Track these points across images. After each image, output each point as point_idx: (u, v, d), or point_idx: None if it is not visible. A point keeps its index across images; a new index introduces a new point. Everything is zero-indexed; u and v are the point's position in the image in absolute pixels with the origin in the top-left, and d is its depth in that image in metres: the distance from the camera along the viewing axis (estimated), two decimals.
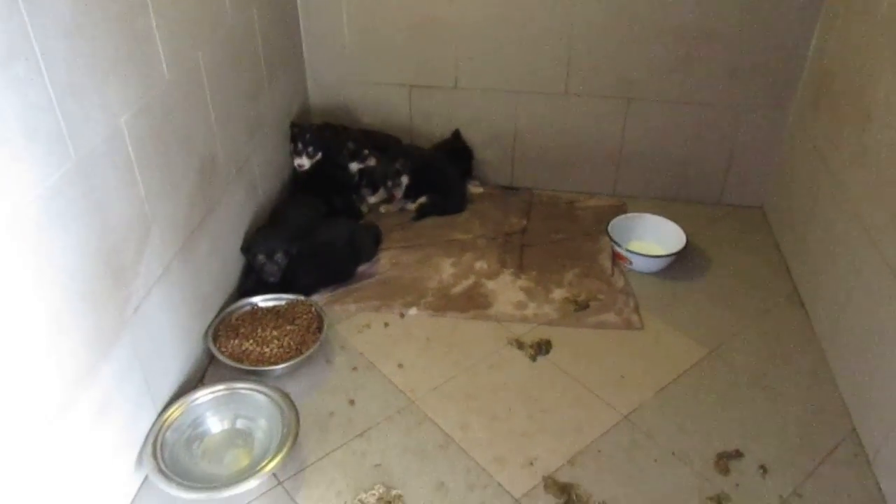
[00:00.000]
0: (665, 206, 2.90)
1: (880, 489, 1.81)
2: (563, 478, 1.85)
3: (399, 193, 2.85)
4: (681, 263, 2.61)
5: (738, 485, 1.84)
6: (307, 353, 2.11)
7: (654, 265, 2.58)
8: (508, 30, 2.74)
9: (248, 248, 2.35)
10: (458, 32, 2.78)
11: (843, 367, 2.11)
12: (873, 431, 1.89)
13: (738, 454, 1.91)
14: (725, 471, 1.87)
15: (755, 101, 2.74)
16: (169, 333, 1.91)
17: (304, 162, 2.75)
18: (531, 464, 1.89)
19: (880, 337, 1.90)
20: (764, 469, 1.87)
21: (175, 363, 1.96)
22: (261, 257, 2.31)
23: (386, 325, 2.35)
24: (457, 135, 3.00)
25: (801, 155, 2.60)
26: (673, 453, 1.92)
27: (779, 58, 2.64)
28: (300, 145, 2.74)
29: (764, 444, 1.94)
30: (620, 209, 2.93)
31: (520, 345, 2.27)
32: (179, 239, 1.93)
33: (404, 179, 2.84)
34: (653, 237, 2.72)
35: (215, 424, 1.94)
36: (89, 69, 1.46)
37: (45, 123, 1.33)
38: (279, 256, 2.31)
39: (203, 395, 1.95)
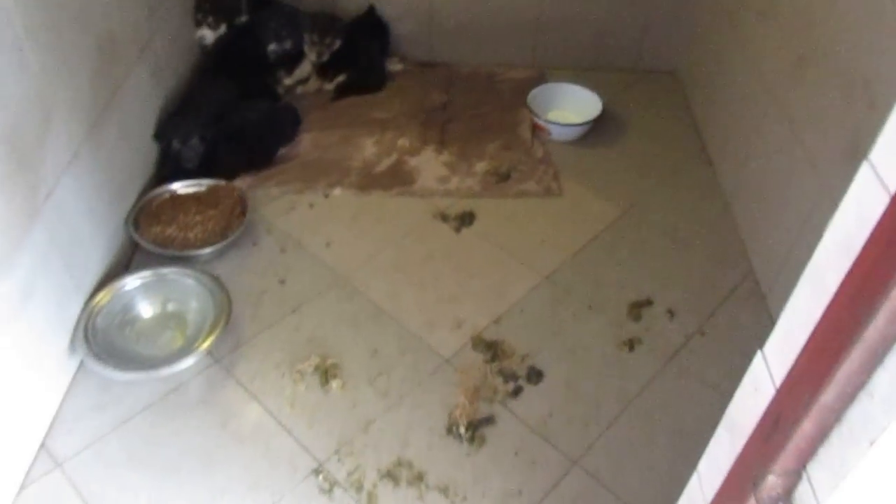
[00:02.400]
0: (583, 74, 2.92)
1: (773, 321, 2.00)
2: (490, 336, 1.97)
3: (326, 56, 2.74)
4: (598, 130, 2.67)
5: (647, 329, 2.00)
6: (233, 237, 2.11)
7: (572, 133, 2.64)
8: None
9: (161, 135, 2.27)
10: None
11: (744, 214, 2.27)
12: (768, 270, 2.07)
13: (648, 302, 2.07)
14: (637, 318, 2.02)
15: None
16: (86, 221, 1.87)
17: (206, 34, 2.61)
18: (459, 326, 2.00)
19: (775, 182, 2.04)
20: (671, 313, 2.04)
21: (97, 251, 1.94)
22: (175, 143, 2.24)
23: (311, 206, 2.36)
24: (371, 10, 2.90)
25: (711, 15, 2.65)
26: (590, 307, 2.06)
27: None
28: (200, 14, 2.60)
29: (672, 290, 2.10)
30: (540, 80, 2.94)
31: (444, 217, 2.33)
32: (85, 124, 1.85)
33: (337, 43, 2.74)
34: (571, 106, 2.76)
35: (146, 309, 1.95)
36: None
37: None
38: (195, 142, 2.25)
39: (131, 282, 1.94)
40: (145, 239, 2.08)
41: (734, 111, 2.38)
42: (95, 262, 1.93)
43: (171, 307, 1.96)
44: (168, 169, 2.29)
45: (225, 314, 1.87)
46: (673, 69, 3.03)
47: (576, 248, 2.24)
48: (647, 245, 2.25)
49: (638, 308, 2.05)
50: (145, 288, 1.95)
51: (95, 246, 1.93)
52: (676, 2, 2.83)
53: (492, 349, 1.93)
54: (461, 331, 1.98)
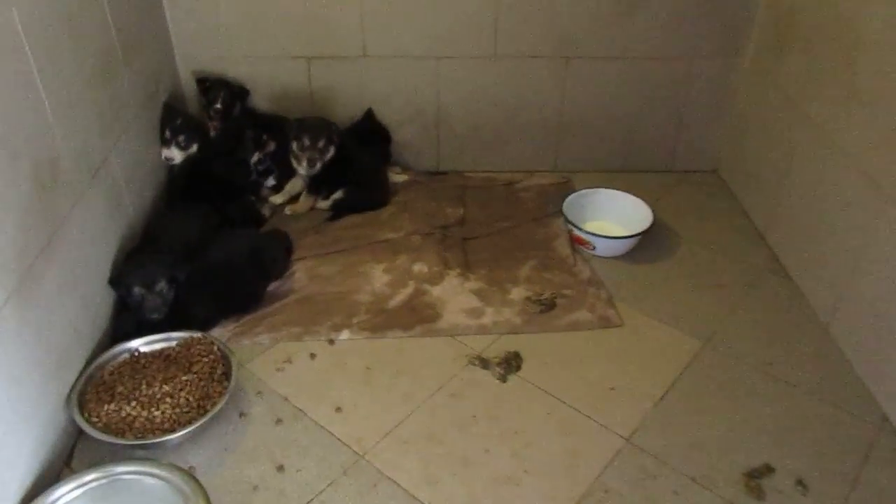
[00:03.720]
0: (612, 177, 2.54)
1: None
2: None
3: (318, 165, 2.30)
4: (644, 242, 2.25)
5: None
6: (213, 411, 1.58)
7: (621, 247, 2.21)
8: None
9: (119, 280, 1.78)
10: None
11: (852, 341, 1.83)
12: None
13: (768, 470, 1.57)
14: (759, 494, 1.52)
15: (705, 50, 2.43)
16: (9, 409, 1.34)
17: (174, 154, 2.20)
18: None
19: (890, 297, 1.61)
20: (802, 485, 1.54)
21: (23, 450, 1.39)
22: (137, 290, 1.75)
23: (312, 356, 1.86)
24: (369, 114, 2.52)
25: (765, 107, 2.31)
26: (693, 479, 1.55)
27: None
28: (168, 133, 2.18)
29: (793, 451, 1.61)
30: (566, 186, 2.55)
31: (483, 363, 1.84)
32: (12, 278, 1.35)
33: (331, 150, 2.32)
34: (611, 215, 2.35)
35: None
36: None
37: None
38: (162, 286, 1.76)
39: (68, 492, 1.39)
40: (94, 423, 1.54)
41: (817, 213, 1.98)
42: (20, 466, 1.38)
43: None
44: (128, 322, 1.78)
45: None
46: (716, 167, 2.67)
47: (656, 397, 1.75)
48: (743, 388, 1.78)
49: (757, 479, 1.54)
50: (90, 498, 1.39)
51: (21, 442, 1.38)
52: (716, 92, 2.51)
53: None
54: None
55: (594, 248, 2.21)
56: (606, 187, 2.38)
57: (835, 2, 1.92)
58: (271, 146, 2.32)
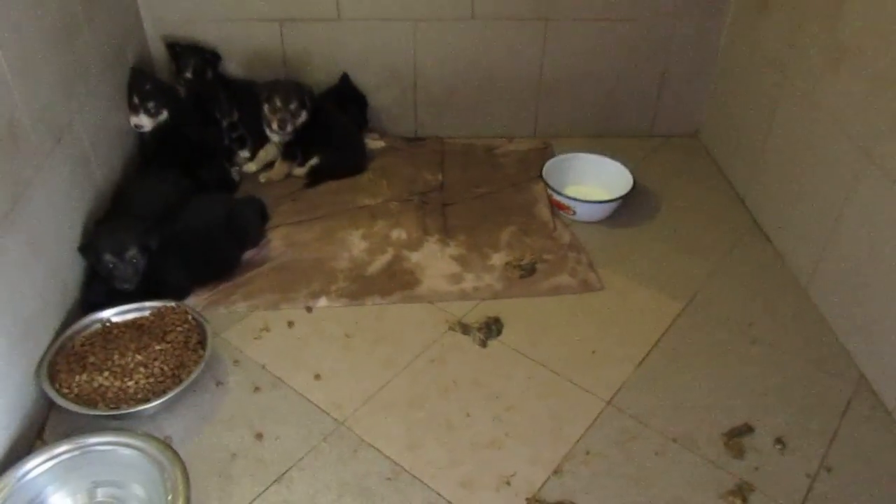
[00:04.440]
0: (593, 142, 2.52)
1: None
2: (552, 495, 1.43)
3: (288, 127, 2.25)
4: (625, 206, 2.24)
5: (757, 468, 1.50)
6: (188, 380, 1.55)
7: (602, 211, 2.19)
8: None
9: (88, 248, 1.73)
10: None
11: (832, 303, 1.83)
12: (887, 377, 1.61)
13: (748, 429, 1.58)
14: (740, 453, 1.53)
15: (687, 10, 2.39)
16: None
17: (143, 121, 2.13)
18: (508, 483, 1.46)
19: (869, 259, 1.61)
20: (781, 442, 1.55)
21: None
22: (108, 257, 1.69)
23: (290, 324, 1.83)
24: (345, 79, 2.46)
25: (746, 68, 2.28)
26: (674, 440, 1.55)
27: None
28: (136, 98, 2.11)
29: (773, 411, 1.62)
30: (546, 151, 2.52)
31: (464, 328, 1.82)
32: None
33: (303, 114, 2.26)
34: (593, 180, 2.33)
35: (63, 501, 1.36)
36: None
37: None
38: (133, 253, 1.70)
39: (38, 464, 1.35)
40: (65, 394, 1.50)
41: (797, 176, 1.97)
42: None
43: (101, 495, 1.37)
44: (99, 291, 1.73)
45: (182, 499, 1.30)
46: (696, 131, 2.66)
47: (637, 359, 1.75)
48: (723, 349, 1.78)
49: (737, 438, 1.55)
50: (63, 469, 1.36)
51: None
52: (698, 54, 2.48)
53: None
54: (511, 490, 1.45)
55: (574, 212, 2.19)
56: (587, 152, 2.35)
57: None
58: (234, 115, 2.26)
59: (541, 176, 2.26)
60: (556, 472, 1.48)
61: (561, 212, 2.22)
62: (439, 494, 1.43)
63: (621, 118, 2.62)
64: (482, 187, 2.35)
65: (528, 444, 1.54)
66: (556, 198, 2.20)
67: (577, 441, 1.55)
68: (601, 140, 2.58)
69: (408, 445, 1.53)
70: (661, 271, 2.03)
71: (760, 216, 2.21)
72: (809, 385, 1.69)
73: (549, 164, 2.29)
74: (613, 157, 2.32)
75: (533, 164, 2.42)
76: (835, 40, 1.80)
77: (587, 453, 1.52)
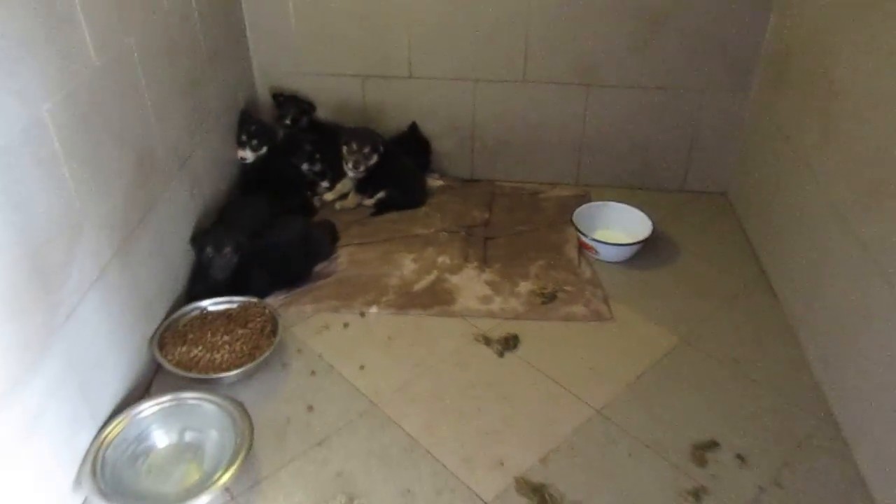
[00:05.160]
0: (629, 194, 2.84)
1: (860, 474, 1.75)
2: (536, 478, 1.76)
3: (361, 168, 2.69)
4: (648, 252, 2.55)
5: (714, 476, 1.77)
6: (260, 358, 1.98)
7: (621, 253, 2.51)
8: (463, 15, 2.65)
9: (195, 240, 2.21)
10: (411, 19, 2.68)
11: (817, 350, 2.07)
12: (851, 414, 1.84)
13: (714, 444, 1.85)
14: (702, 462, 1.80)
15: (715, 84, 2.70)
16: (108, 341, 1.76)
17: (248, 155, 2.63)
18: (501, 464, 1.80)
19: (854, 317, 1.85)
20: (741, 458, 1.81)
21: (116, 374, 1.82)
22: (209, 250, 2.16)
23: (345, 325, 2.24)
24: (413, 127, 2.90)
25: (765, 137, 2.56)
26: (647, 446, 1.85)
27: (737, 38, 2.60)
28: (244, 136, 2.61)
29: (740, 432, 1.88)
30: (584, 198, 2.86)
31: (486, 340, 2.17)
32: (117, 239, 1.78)
33: (374, 157, 2.71)
34: (619, 226, 2.65)
35: (161, 438, 1.80)
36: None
37: None
38: (228, 251, 2.17)
39: (147, 408, 1.80)
40: (169, 360, 1.96)
41: (796, 236, 2.23)
42: (113, 385, 1.80)
43: (188, 436, 1.81)
44: (200, 285, 2.21)
45: (245, 446, 1.70)
46: (724, 190, 2.93)
47: (629, 379, 2.05)
48: (708, 378, 2.05)
49: (703, 450, 1.83)
50: (163, 414, 1.81)
51: (115, 368, 1.81)
52: (725, 122, 2.77)
53: (538, 494, 1.71)
54: (504, 470, 1.78)
55: (598, 252, 2.51)
56: (616, 201, 2.68)
57: (816, 49, 2.18)
58: (317, 166, 2.72)
59: (571, 220, 2.60)
60: (542, 460, 1.80)
61: (587, 251, 2.55)
62: (445, 467, 1.79)
63: (655, 173, 2.93)
64: (522, 226, 2.71)
65: (523, 437, 1.87)
66: (583, 239, 2.53)
67: (565, 439, 1.86)
68: (637, 192, 2.90)
69: (425, 427, 1.89)
70: (667, 309, 2.32)
71: (769, 270, 2.46)
72: (779, 415, 1.94)
73: (579, 209, 2.63)
74: (639, 206, 2.63)
75: (571, 208, 2.74)
76: (825, 122, 2.08)
77: (571, 449, 1.84)
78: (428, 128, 2.91)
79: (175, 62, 2.14)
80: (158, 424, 1.81)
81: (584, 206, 2.66)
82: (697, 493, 1.72)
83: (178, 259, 2.19)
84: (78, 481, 1.62)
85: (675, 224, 2.73)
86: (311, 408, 1.95)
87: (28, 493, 1.45)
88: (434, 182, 2.93)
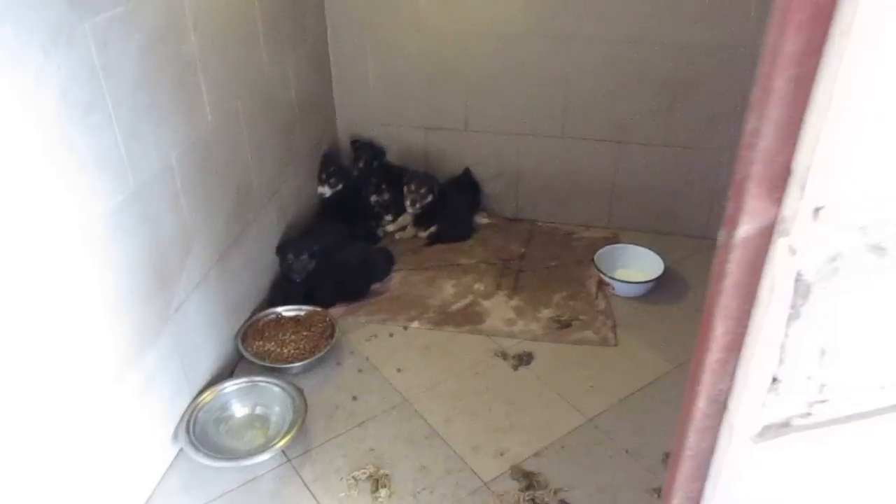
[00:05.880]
0: (655, 238, 3.18)
1: None
2: (528, 467, 2.15)
3: (418, 205, 3.18)
4: (662, 291, 2.88)
5: None
6: (319, 355, 2.48)
7: (635, 290, 2.86)
8: (513, 78, 3.11)
9: (280, 248, 2.76)
10: (467, 80, 3.16)
11: None
12: None
13: None
14: None
15: (734, 144, 3.01)
16: (204, 332, 2.31)
17: (326, 190, 3.16)
18: (502, 454, 2.20)
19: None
20: None
21: (209, 357, 2.36)
22: (290, 256, 2.71)
23: (391, 335, 2.71)
24: (467, 172, 3.37)
25: None
26: (627, 451, 2.20)
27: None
28: (324, 175, 3.16)
29: None
30: (613, 240, 3.22)
31: (504, 356, 2.59)
32: (216, 253, 2.33)
33: (430, 197, 3.20)
34: (637, 265, 3.00)
35: (239, 409, 2.32)
36: (147, 117, 1.89)
37: (111, 159, 1.75)
38: (305, 258, 2.71)
39: (230, 386, 2.33)
40: (248, 351, 2.49)
41: None
42: (206, 365, 2.34)
43: (258, 410, 2.32)
44: (278, 295, 2.74)
45: (300, 420, 2.20)
46: None
47: (622, 396, 2.41)
48: None
49: None
50: (241, 392, 2.33)
51: (208, 353, 2.35)
52: None
53: (528, 479, 2.10)
54: (503, 458, 2.18)
55: (614, 288, 2.88)
56: (635, 244, 3.04)
57: None
58: (385, 196, 3.23)
59: (592, 260, 2.98)
60: (536, 454, 2.19)
61: (605, 287, 2.92)
62: (456, 452, 2.21)
63: (680, 220, 3.26)
64: (553, 261, 3.11)
65: (523, 434, 2.26)
66: (601, 276, 2.91)
67: (558, 439, 2.24)
68: (661, 236, 3.23)
69: (444, 420, 2.32)
70: (668, 341, 2.65)
71: None
72: None
73: (601, 250, 3.00)
74: (661, 250, 2.97)
75: (599, 248, 3.13)
76: None
77: (562, 447, 2.22)
78: (479, 172, 3.38)
79: (271, 115, 2.70)
80: (237, 399, 2.33)
81: (606, 247, 3.04)
82: (660, 492, 2.06)
83: (264, 272, 2.73)
84: (175, 435, 2.16)
85: (691, 267, 3.05)
86: (355, 398, 2.42)
87: (140, 440, 1.99)
88: (481, 220, 3.37)
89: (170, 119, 2.00)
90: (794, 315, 0.70)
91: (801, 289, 0.68)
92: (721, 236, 0.73)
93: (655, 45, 2.91)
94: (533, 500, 2.04)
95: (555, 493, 2.07)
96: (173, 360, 2.11)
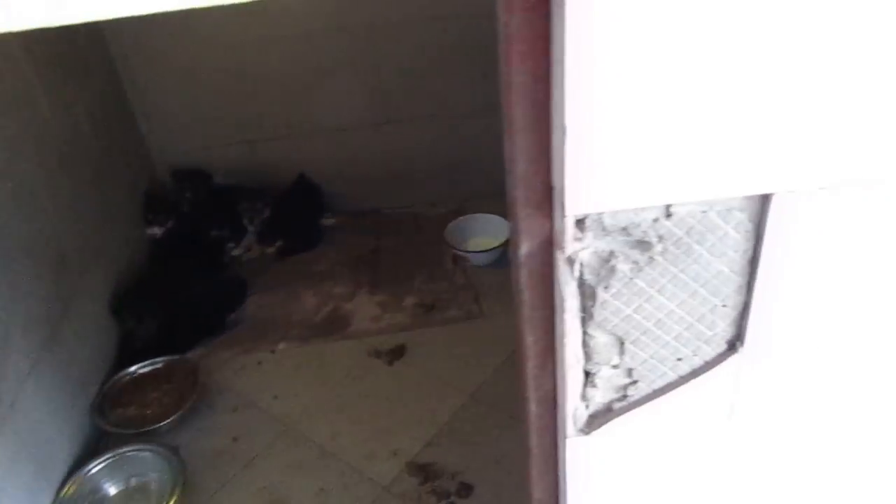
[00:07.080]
0: (501, 202, 3.24)
1: None
2: (423, 459, 2.17)
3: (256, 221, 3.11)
4: None
5: None
6: (186, 406, 2.35)
7: (489, 257, 2.94)
8: (325, 74, 3.05)
9: (116, 311, 2.57)
10: (281, 83, 3.04)
11: None
12: None
13: None
14: None
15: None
16: (53, 419, 2.12)
17: (156, 231, 2.98)
18: (395, 454, 2.21)
19: None
20: None
21: (66, 443, 2.18)
22: (130, 322, 2.53)
23: (259, 363, 2.62)
24: (302, 177, 3.27)
25: None
26: (511, 416, 2.28)
27: None
28: (150, 216, 2.97)
29: None
30: (460, 213, 3.27)
31: (378, 354, 2.58)
32: (42, 334, 2.13)
33: (266, 211, 3.11)
34: (489, 233, 3.07)
35: (112, 489, 2.17)
36: None
37: None
38: (148, 321, 2.54)
39: (94, 466, 2.17)
40: (108, 423, 2.32)
41: None
42: (64, 452, 2.16)
43: (133, 482, 2.18)
44: (125, 353, 2.57)
45: (181, 479, 2.09)
46: None
47: (497, 364, 2.48)
48: None
49: None
50: (109, 469, 2.17)
51: (64, 438, 2.17)
52: None
53: (424, 472, 2.13)
54: (397, 458, 2.19)
55: (469, 260, 2.94)
56: (482, 212, 3.11)
57: None
58: (225, 229, 3.10)
59: (443, 237, 3.02)
60: (427, 444, 2.22)
61: (461, 260, 2.97)
62: (350, 465, 2.19)
63: None
64: (407, 247, 3.12)
65: (411, 428, 2.27)
66: (454, 251, 2.96)
67: (445, 423, 2.28)
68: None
69: (331, 436, 2.29)
70: None
71: None
72: None
73: (450, 225, 3.05)
74: (498, 213, 3.05)
75: (449, 223, 3.17)
76: None
77: (450, 431, 2.25)
78: (315, 174, 3.29)
79: (72, 171, 2.48)
80: (107, 477, 2.17)
81: (454, 221, 3.09)
82: None
83: (104, 334, 2.54)
84: None
85: None
86: (235, 439, 2.33)
87: None
88: (327, 221, 3.31)
89: None
90: (587, 316, 0.73)
91: (588, 292, 0.71)
92: (510, 255, 0.74)
93: (467, 19, 2.94)
94: (433, 490, 2.08)
95: (453, 477, 2.11)
96: (22, 462, 1.93)
